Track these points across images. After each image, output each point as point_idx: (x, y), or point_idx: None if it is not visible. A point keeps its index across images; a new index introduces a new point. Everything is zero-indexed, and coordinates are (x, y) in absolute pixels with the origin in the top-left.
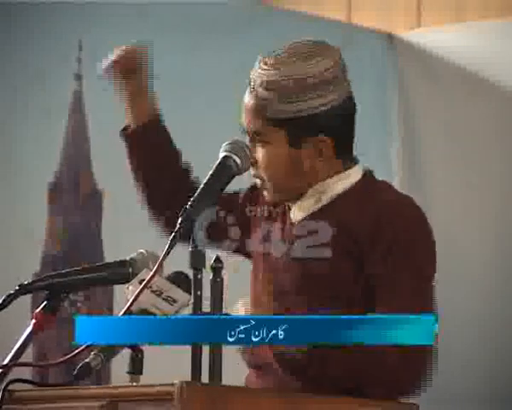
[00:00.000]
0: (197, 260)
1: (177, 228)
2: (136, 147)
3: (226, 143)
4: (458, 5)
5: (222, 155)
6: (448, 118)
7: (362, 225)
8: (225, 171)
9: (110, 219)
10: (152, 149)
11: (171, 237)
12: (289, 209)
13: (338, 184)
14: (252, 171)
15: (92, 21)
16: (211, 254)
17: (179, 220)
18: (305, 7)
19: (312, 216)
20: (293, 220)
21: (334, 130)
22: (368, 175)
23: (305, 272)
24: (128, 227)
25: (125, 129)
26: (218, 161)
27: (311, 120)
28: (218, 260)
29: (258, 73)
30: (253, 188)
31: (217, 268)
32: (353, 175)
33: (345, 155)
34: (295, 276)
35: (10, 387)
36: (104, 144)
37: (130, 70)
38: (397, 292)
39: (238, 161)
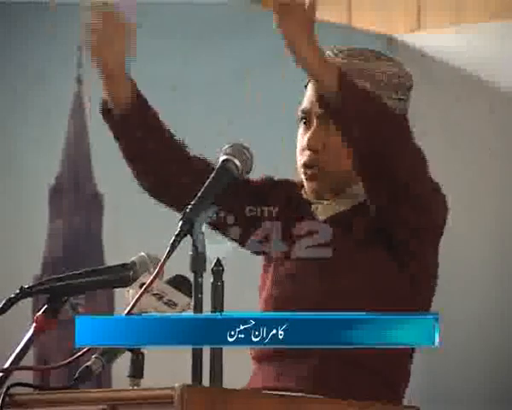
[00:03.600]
0: (198, 264)
1: (177, 232)
2: (123, 130)
3: (227, 146)
4: (458, 7)
5: (222, 158)
6: (447, 119)
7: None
8: (226, 174)
9: (111, 222)
10: (141, 130)
11: (172, 241)
12: (315, 209)
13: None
14: (309, 155)
15: None
16: (211, 258)
17: (180, 224)
18: None
19: (342, 214)
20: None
21: None
22: None
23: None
24: (129, 230)
25: (105, 110)
26: (218, 165)
27: None
28: (218, 263)
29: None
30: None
31: (217, 271)
32: None
33: None
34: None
35: (11, 391)
36: (105, 147)
37: (111, 37)
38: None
39: (239, 164)
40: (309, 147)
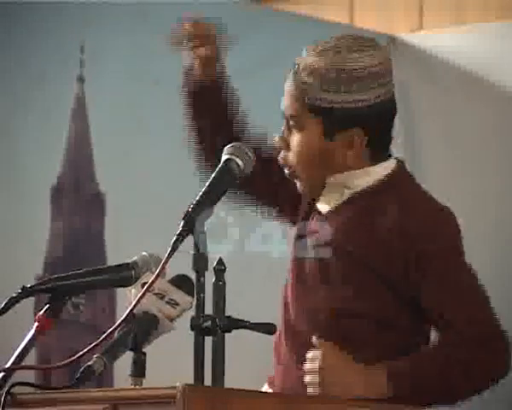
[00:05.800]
0: (200, 263)
1: (179, 231)
2: (198, 101)
3: (229, 145)
4: (459, 7)
5: (224, 157)
6: (448, 119)
7: (387, 229)
8: (228, 174)
9: (113, 221)
10: (211, 108)
11: (174, 240)
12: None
13: (361, 179)
14: (281, 154)
15: (94, 23)
16: (213, 257)
17: (181, 224)
18: (306, 8)
19: (337, 210)
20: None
21: (369, 126)
22: (397, 171)
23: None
24: (130, 230)
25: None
26: (220, 164)
27: (349, 114)
28: (220, 262)
29: (303, 58)
30: None
31: (219, 271)
32: (379, 171)
33: (377, 152)
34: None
35: (13, 390)
36: (107, 147)
37: (202, 38)
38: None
39: (241, 163)
40: (278, 146)
